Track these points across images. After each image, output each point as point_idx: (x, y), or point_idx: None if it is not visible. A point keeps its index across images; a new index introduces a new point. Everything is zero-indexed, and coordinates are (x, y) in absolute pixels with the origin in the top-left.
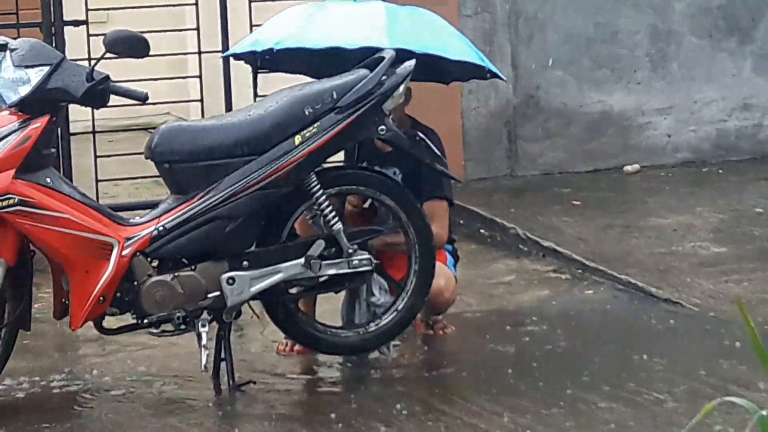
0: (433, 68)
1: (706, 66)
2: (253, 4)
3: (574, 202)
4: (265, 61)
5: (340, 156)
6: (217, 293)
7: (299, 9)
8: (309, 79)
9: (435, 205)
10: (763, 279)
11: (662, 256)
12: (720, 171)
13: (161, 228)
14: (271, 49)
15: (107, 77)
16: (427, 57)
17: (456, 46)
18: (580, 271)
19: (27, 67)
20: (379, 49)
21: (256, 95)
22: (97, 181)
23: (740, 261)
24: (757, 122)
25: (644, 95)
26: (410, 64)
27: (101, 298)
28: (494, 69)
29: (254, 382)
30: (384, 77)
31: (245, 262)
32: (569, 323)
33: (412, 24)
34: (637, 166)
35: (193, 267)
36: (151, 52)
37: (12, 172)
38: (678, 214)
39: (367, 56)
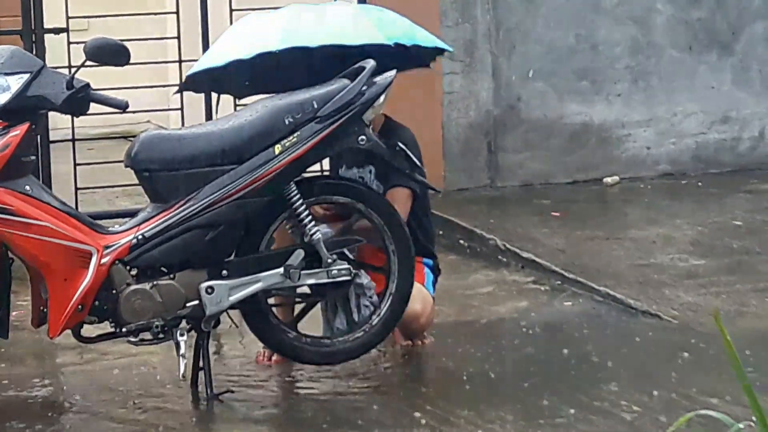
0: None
1: (686, 79)
2: (234, 13)
3: (554, 214)
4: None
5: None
6: (196, 302)
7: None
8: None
9: (398, 191)
10: (741, 292)
11: (641, 268)
12: (699, 183)
13: (140, 236)
14: (257, 55)
15: (87, 85)
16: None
17: (359, 30)
18: (559, 282)
19: (7, 74)
20: (306, 49)
21: (236, 104)
22: (77, 189)
23: (719, 273)
24: (737, 135)
25: (624, 107)
26: (391, 74)
27: (80, 306)
28: (436, 43)
29: (232, 391)
30: (364, 87)
31: (224, 271)
32: (548, 335)
33: (313, 21)
34: (616, 178)
35: (172, 276)
36: (131, 60)
37: None
38: (657, 226)
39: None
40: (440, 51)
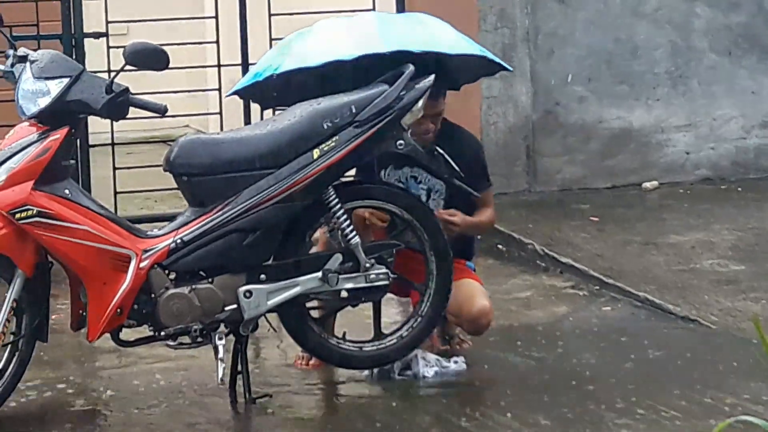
0: (440, 74)
1: (725, 83)
2: (273, 18)
3: (593, 218)
4: (269, 96)
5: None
6: (235, 306)
7: (290, 37)
8: None
9: (487, 194)
10: None
11: (680, 274)
12: (739, 189)
13: (179, 240)
14: (271, 76)
15: (126, 89)
16: (426, 58)
17: (452, 41)
18: (597, 287)
19: (47, 78)
20: (376, 56)
21: (274, 109)
22: (116, 193)
23: (758, 279)
24: None
25: (664, 112)
26: (429, 79)
27: (118, 310)
28: (497, 59)
29: (270, 396)
30: (403, 92)
31: (263, 276)
32: (586, 340)
33: (404, 26)
34: (655, 183)
35: (210, 280)
36: (170, 65)
37: (31, 183)
38: (696, 231)
39: (379, 72)
40: (497, 67)
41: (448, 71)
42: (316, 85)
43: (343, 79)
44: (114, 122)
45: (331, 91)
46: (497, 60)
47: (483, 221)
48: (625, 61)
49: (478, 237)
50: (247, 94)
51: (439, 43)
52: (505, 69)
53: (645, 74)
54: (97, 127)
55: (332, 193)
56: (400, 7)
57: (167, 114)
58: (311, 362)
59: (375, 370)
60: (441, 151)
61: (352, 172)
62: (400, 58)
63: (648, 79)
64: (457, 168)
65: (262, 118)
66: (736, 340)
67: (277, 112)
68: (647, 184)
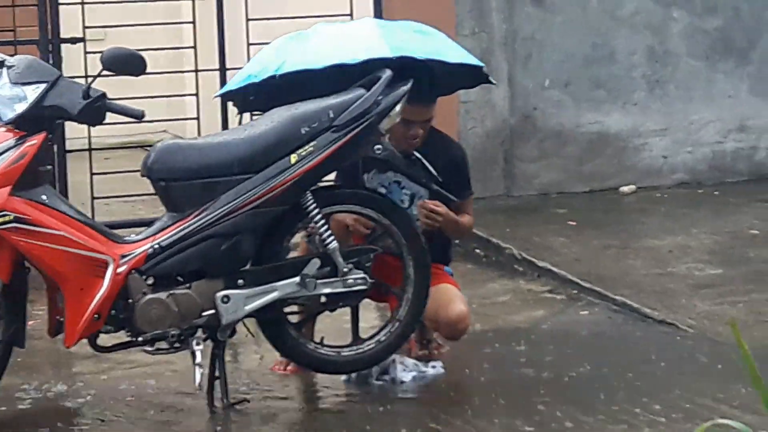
0: (433, 81)
1: (702, 87)
2: (250, 23)
3: (570, 223)
4: (255, 101)
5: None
6: (212, 311)
7: (286, 38)
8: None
9: (467, 202)
10: (757, 301)
11: (658, 277)
12: (716, 192)
13: (157, 246)
14: (272, 77)
15: (104, 94)
16: (426, 64)
17: (452, 49)
18: (575, 291)
19: (24, 84)
20: (382, 61)
21: (252, 114)
22: (93, 198)
23: (735, 283)
24: (754, 144)
25: (641, 116)
26: (407, 84)
27: (96, 315)
28: (486, 74)
29: (248, 401)
30: (381, 96)
31: (240, 281)
32: (564, 344)
33: (404, 32)
34: (633, 187)
35: (188, 285)
36: (148, 70)
37: (8, 189)
38: (674, 235)
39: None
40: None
41: (437, 79)
42: (316, 87)
43: (345, 82)
44: (91, 127)
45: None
46: (487, 75)
47: (463, 222)
48: (603, 66)
49: (455, 242)
50: (231, 96)
51: (439, 51)
52: (490, 83)
53: (622, 78)
54: (74, 132)
55: (310, 197)
56: (377, 12)
57: (145, 119)
58: (289, 367)
59: (353, 375)
60: (419, 156)
61: (332, 176)
62: (402, 64)
63: (625, 83)
64: (435, 173)
65: (240, 124)
66: (713, 343)
67: (254, 118)
68: (625, 189)
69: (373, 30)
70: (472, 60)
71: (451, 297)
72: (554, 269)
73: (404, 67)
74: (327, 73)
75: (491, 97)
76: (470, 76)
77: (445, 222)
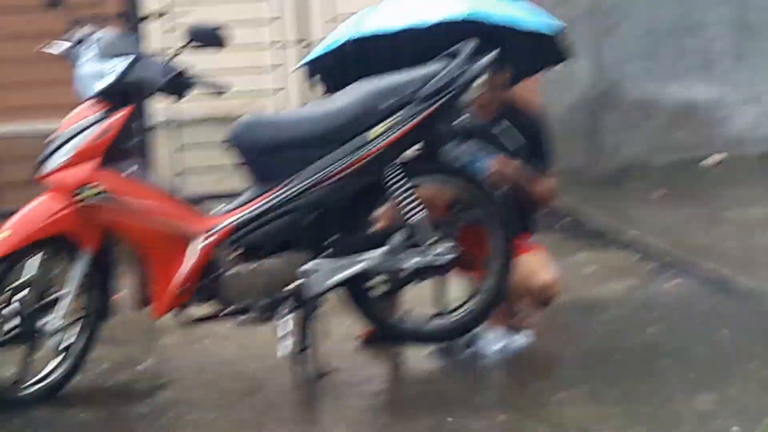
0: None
1: None
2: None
3: (656, 194)
4: (332, 74)
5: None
6: (299, 282)
7: (361, 12)
8: None
9: (549, 172)
10: None
11: (745, 248)
12: None
13: (243, 218)
14: (345, 43)
15: (187, 68)
16: (498, 30)
17: (532, 15)
18: (663, 262)
19: (110, 57)
20: (453, 24)
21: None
22: (178, 172)
23: None
24: None
25: (726, 86)
26: (492, 54)
27: (183, 287)
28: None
29: (337, 371)
30: (465, 67)
31: (328, 251)
32: (654, 314)
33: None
34: (719, 157)
35: (275, 256)
36: (231, 44)
37: (97, 161)
38: (760, 206)
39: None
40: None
41: (520, 55)
42: (389, 56)
43: (419, 50)
44: (176, 101)
45: (407, 62)
46: (562, 48)
47: (542, 185)
48: (686, 37)
49: (541, 213)
50: (315, 68)
51: (515, 17)
52: (566, 59)
53: (706, 50)
54: (159, 106)
55: (396, 169)
56: None
57: (228, 93)
58: (377, 337)
59: (441, 346)
60: (503, 125)
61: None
62: (476, 29)
63: (710, 54)
64: (519, 142)
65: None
66: None
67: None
68: (711, 159)
69: None
70: (550, 28)
71: (538, 265)
72: (642, 239)
73: (476, 33)
74: (408, 42)
75: (575, 69)
76: (550, 54)
77: (517, 180)
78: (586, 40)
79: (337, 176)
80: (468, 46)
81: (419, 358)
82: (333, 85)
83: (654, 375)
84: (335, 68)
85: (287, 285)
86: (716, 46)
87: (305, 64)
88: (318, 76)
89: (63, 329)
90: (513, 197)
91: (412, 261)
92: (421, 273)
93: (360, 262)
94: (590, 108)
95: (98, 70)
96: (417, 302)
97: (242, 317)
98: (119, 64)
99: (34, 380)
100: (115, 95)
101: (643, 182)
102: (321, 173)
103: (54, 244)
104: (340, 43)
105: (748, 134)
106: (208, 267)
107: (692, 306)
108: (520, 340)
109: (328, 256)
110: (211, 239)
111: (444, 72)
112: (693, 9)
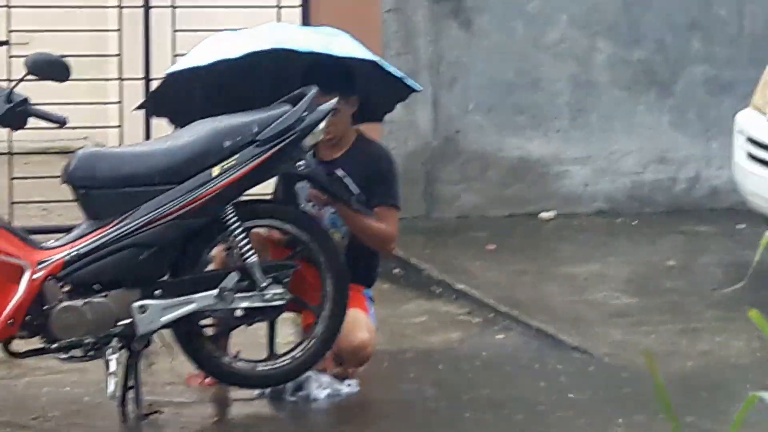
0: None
1: (624, 118)
2: (176, 34)
3: (489, 247)
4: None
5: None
6: (128, 321)
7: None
8: None
9: (389, 210)
10: (671, 331)
11: (574, 305)
12: (634, 222)
13: (74, 253)
14: (167, 75)
15: (26, 99)
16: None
17: (344, 45)
18: (492, 315)
19: None
20: (258, 54)
21: (175, 126)
22: (12, 203)
23: (650, 312)
24: (673, 176)
25: (563, 143)
26: (331, 102)
27: (10, 320)
28: (399, 74)
29: (161, 412)
30: (305, 113)
31: (158, 291)
32: (479, 367)
33: (303, 32)
34: (552, 213)
35: (105, 294)
36: (72, 77)
37: None
38: (591, 263)
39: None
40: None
41: (368, 99)
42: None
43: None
44: (13, 131)
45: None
46: (407, 80)
47: (378, 227)
48: (526, 92)
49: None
50: (156, 104)
51: (326, 46)
52: (415, 90)
53: (545, 105)
54: None
55: (231, 211)
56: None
57: (66, 126)
58: (205, 380)
59: (267, 390)
60: (341, 173)
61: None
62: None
63: (548, 110)
64: (357, 191)
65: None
66: (627, 372)
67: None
68: (544, 215)
69: (271, 28)
70: (369, 56)
71: (355, 324)
72: (472, 292)
73: (319, 64)
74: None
75: (415, 118)
76: (396, 91)
77: (348, 218)
78: (427, 91)
79: (175, 214)
80: (309, 93)
81: (246, 402)
82: (177, 120)
83: (480, 428)
84: (175, 103)
85: (116, 323)
86: (554, 102)
87: (146, 100)
88: (160, 111)
89: None
90: (351, 245)
91: (243, 304)
92: (251, 316)
93: (191, 302)
94: (429, 157)
95: None
96: (247, 345)
97: (67, 354)
98: None
99: None
100: None
101: (478, 234)
102: (158, 210)
103: None
104: (166, 75)
105: (581, 191)
106: (36, 301)
107: (518, 361)
108: (346, 389)
109: (158, 296)
110: (40, 273)
111: (285, 116)
112: (534, 65)
